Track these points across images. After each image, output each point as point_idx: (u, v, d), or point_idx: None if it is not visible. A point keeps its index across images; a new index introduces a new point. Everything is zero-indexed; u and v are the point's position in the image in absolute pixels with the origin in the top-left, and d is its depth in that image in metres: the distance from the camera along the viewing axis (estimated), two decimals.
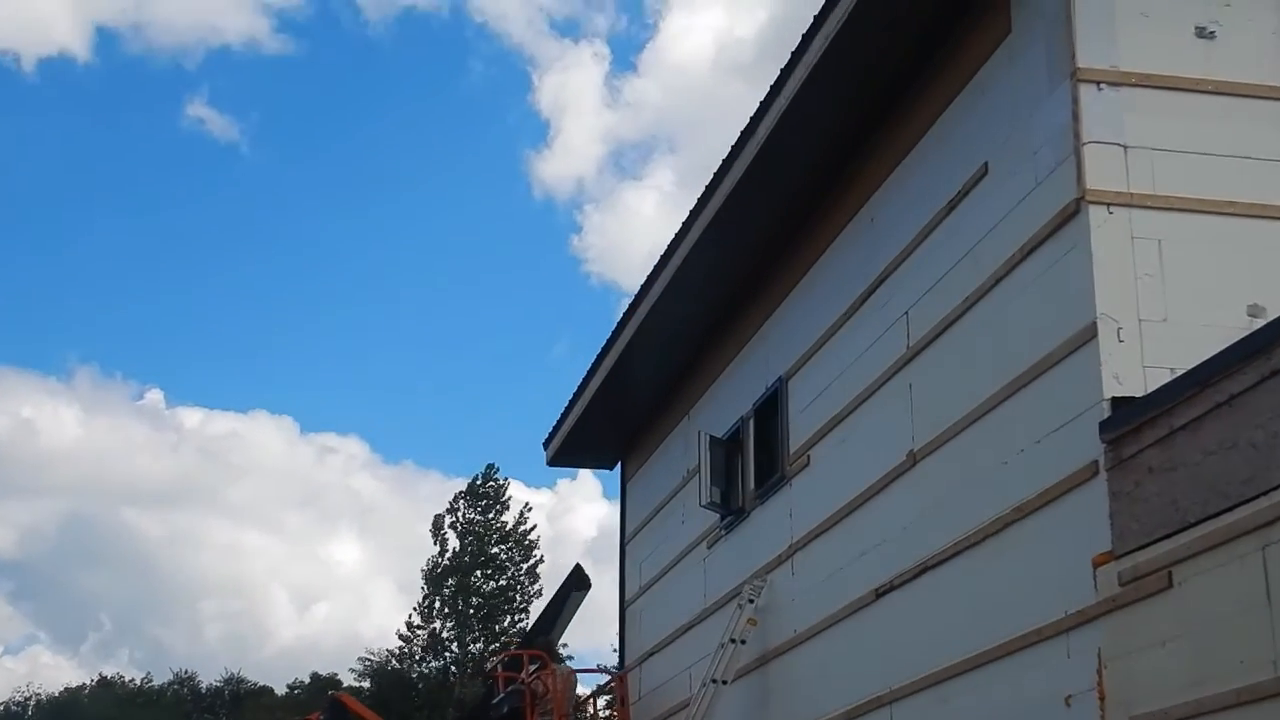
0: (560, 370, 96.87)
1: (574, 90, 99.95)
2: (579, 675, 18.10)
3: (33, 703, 70.87)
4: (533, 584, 62.63)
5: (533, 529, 62.71)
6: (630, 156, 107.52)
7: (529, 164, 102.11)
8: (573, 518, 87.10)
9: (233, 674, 71.65)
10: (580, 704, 17.37)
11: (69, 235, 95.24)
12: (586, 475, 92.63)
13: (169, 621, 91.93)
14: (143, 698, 69.05)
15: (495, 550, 62.07)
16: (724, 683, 13.59)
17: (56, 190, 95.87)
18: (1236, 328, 8.68)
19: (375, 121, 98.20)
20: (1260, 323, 8.68)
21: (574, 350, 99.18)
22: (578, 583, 19.15)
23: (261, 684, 70.84)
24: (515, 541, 62.23)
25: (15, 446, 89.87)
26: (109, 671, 76.55)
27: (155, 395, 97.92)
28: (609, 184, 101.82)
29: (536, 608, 62.09)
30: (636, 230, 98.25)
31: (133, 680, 72.72)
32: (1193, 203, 9.12)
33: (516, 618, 61.85)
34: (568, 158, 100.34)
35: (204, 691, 72.03)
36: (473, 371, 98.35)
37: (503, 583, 62.25)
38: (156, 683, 71.75)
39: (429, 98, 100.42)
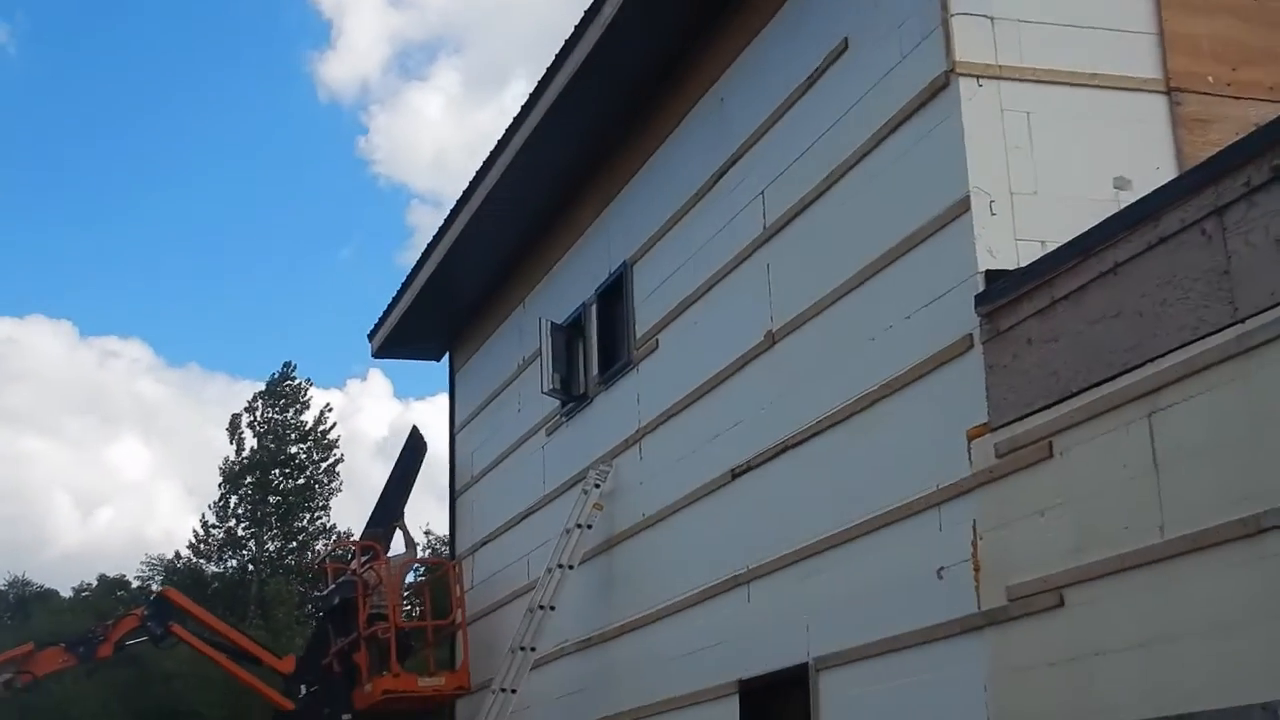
0: (348, 272, 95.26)
1: None
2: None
3: None
4: (332, 482, 61.95)
5: (332, 428, 61.95)
6: (416, 58, 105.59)
7: (311, 65, 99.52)
8: (362, 418, 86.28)
9: (17, 577, 69.73)
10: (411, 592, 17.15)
11: None
12: (377, 375, 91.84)
13: None
14: None
15: (294, 450, 61.12)
16: (570, 568, 13.51)
17: None
18: (1103, 200, 8.82)
19: (149, 21, 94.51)
20: (1127, 195, 8.80)
21: (363, 252, 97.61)
22: (417, 446, 18.83)
23: (47, 587, 69.04)
24: (314, 441, 61.37)
25: None
26: None
27: None
28: (394, 85, 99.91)
29: (336, 505, 61.65)
30: (423, 131, 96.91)
31: None
32: (1060, 74, 9.14)
33: (316, 515, 61.20)
34: (351, 59, 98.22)
35: None
36: (260, 274, 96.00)
37: (301, 481, 61.40)
38: None
39: None
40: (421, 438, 18.85)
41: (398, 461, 18.86)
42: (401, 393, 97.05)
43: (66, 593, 66.61)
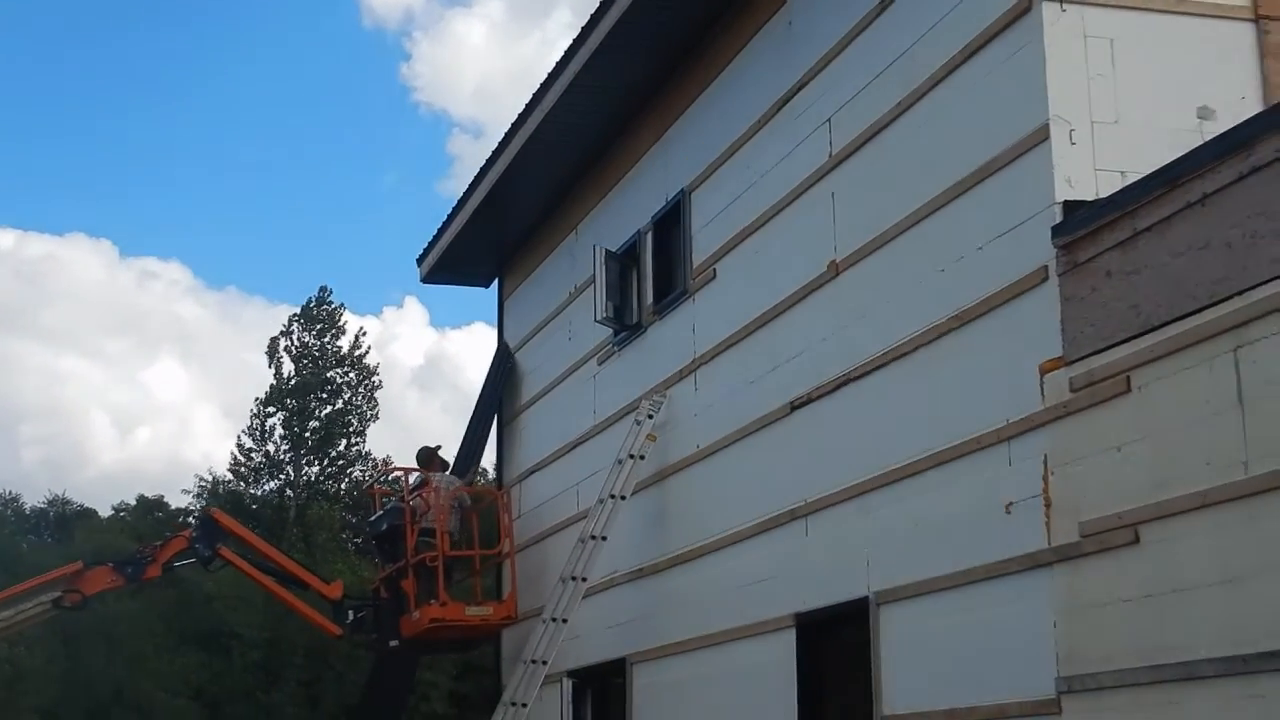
0: (389, 200, 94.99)
1: None
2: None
3: None
4: (371, 409, 62.03)
5: (368, 353, 61.98)
6: None
7: None
8: (399, 345, 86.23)
9: (57, 496, 70.23)
10: (465, 516, 17.02)
11: None
12: (413, 303, 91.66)
13: None
14: None
15: (331, 374, 61.20)
16: (623, 498, 13.43)
17: None
18: (1187, 130, 8.62)
19: None
20: (1211, 125, 8.59)
21: (403, 180, 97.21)
22: (507, 357, 18.53)
23: (86, 505, 69.53)
24: (352, 365, 61.42)
25: None
26: None
27: None
28: (437, 11, 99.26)
29: (374, 432, 61.78)
30: (465, 59, 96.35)
31: None
32: (1144, 1, 8.90)
33: (353, 441, 61.31)
34: None
35: (28, 513, 70.50)
36: (301, 199, 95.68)
37: (339, 406, 61.51)
38: None
39: None
40: (509, 352, 18.59)
41: (492, 377, 18.51)
42: (438, 321, 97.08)
43: (105, 512, 67.13)
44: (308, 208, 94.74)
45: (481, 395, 18.44)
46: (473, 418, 18.24)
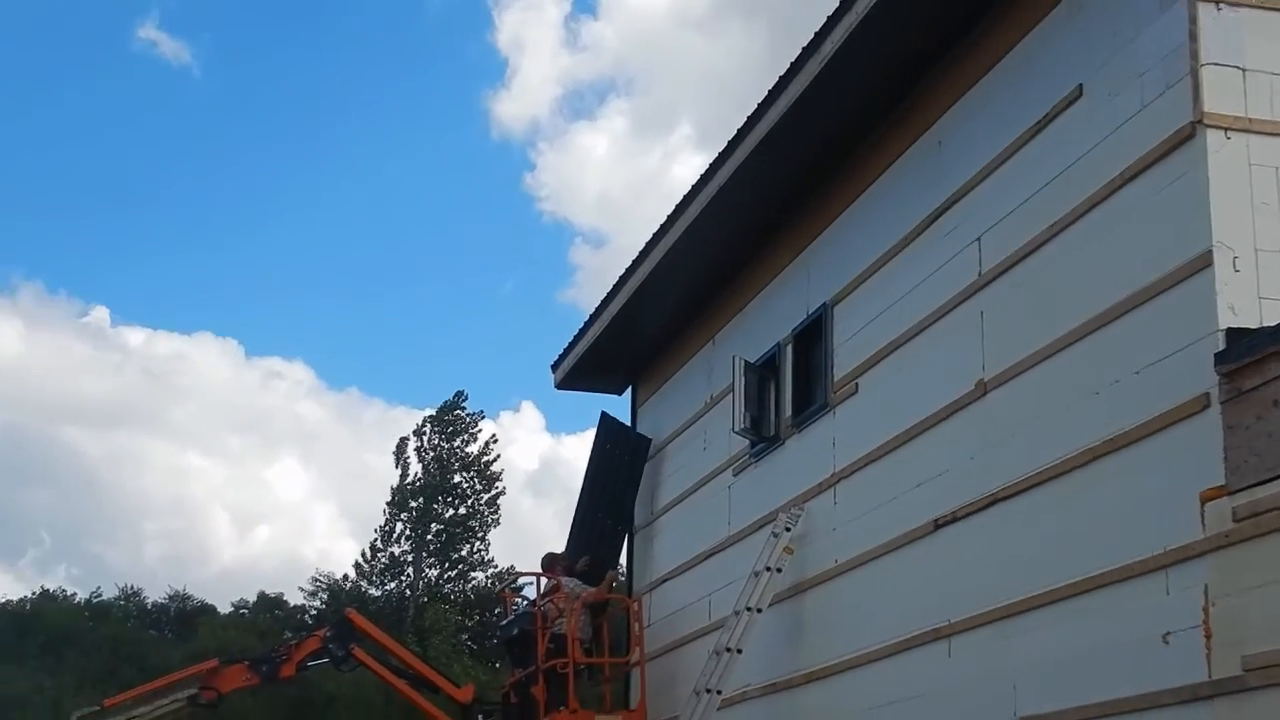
0: (509, 306, 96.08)
1: (533, 30, 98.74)
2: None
3: None
4: (493, 514, 62.28)
5: (496, 459, 62.28)
6: (586, 98, 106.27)
7: (486, 101, 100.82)
8: (514, 450, 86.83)
9: (178, 591, 71.07)
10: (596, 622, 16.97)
11: (14, 153, 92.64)
12: (529, 408, 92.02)
13: (109, 539, 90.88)
14: (90, 611, 68.22)
15: (457, 478, 61.58)
16: (759, 611, 13.34)
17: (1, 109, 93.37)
18: None
19: (332, 51, 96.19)
20: None
21: (524, 287, 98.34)
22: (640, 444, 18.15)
23: (206, 602, 70.33)
24: (478, 471, 61.77)
25: None
26: (50, 585, 75.34)
27: (100, 314, 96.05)
28: (563, 124, 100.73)
29: (495, 537, 61.99)
30: (588, 171, 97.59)
31: (74, 594, 71.80)
32: None
33: (475, 546, 61.57)
34: (524, 97, 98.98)
35: (150, 608, 71.38)
36: (423, 303, 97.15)
37: (463, 511, 61.85)
38: (105, 597, 70.96)
39: (387, 28, 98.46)
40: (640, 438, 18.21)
41: (630, 470, 18.18)
42: (553, 427, 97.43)
43: (225, 608, 67.92)
44: (430, 313, 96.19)
45: (599, 487, 18.32)
46: (599, 511, 18.15)
